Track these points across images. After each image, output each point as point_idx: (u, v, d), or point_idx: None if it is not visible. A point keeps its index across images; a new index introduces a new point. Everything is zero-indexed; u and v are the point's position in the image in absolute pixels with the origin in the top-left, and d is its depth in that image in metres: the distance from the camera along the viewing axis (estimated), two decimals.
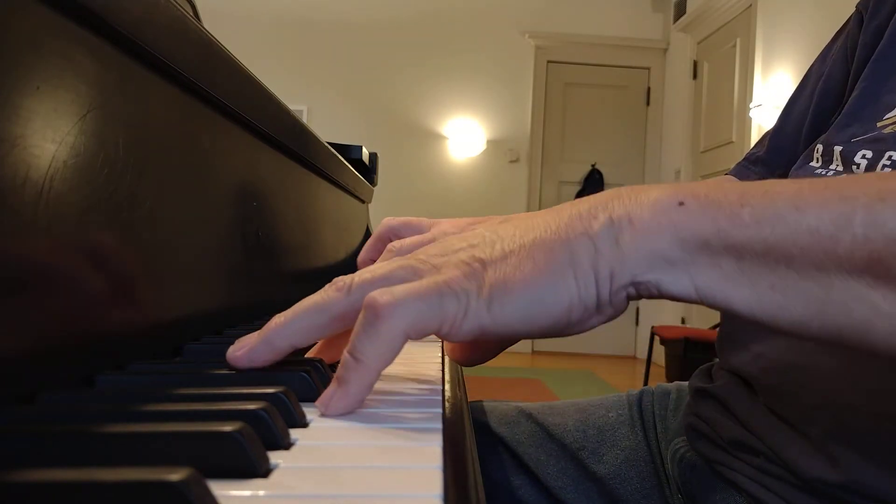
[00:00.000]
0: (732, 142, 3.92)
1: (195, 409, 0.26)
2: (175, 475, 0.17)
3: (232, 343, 0.34)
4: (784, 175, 0.57)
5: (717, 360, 0.58)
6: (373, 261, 0.44)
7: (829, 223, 0.26)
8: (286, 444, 0.25)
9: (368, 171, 1.26)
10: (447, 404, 0.33)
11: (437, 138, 4.94)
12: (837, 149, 0.48)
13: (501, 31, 4.93)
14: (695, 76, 4.50)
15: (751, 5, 3.77)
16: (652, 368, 3.65)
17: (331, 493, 0.21)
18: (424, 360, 0.45)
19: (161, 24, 0.39)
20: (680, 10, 4.68)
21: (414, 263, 0.32)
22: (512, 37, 4.94)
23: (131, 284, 0.37)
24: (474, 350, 0.42)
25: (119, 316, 0.36)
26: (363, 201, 1.22)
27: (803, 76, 0.61)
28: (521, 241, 0.31)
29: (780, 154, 0.60)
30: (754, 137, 3.57)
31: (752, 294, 0.28)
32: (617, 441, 0.61)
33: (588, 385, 3.81)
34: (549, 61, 5.02)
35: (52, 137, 0.30)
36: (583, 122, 5.05)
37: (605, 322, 0.31)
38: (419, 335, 0.30)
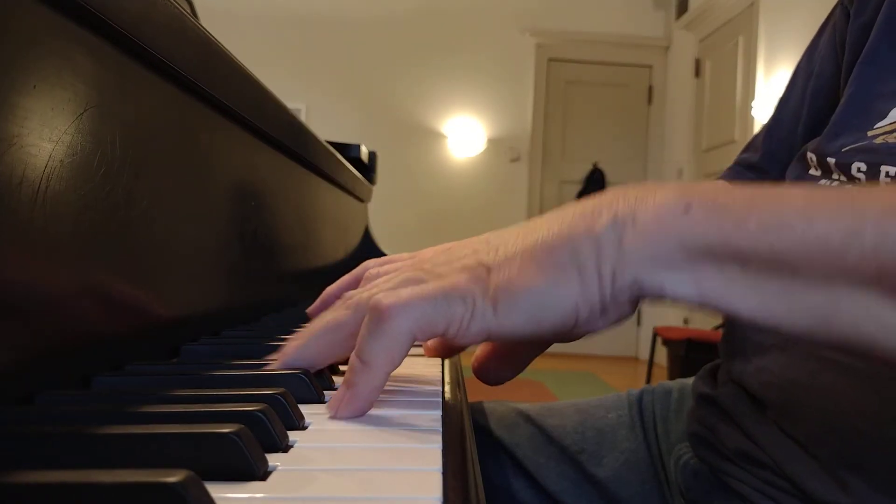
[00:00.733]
0: (735, 140, 3.91)
1: (193, 410, 0.26)
2: (172, 477, 0.17)
3: (229, 344, 0.34)
4: (780, 179, 0.56)
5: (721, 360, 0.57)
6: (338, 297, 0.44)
7: (838, 234, 0.26)
8: (284, 446, 0.25)
9: (367, 169, 1.26)
10: (447, 406, 0.33)
11: (437, 137, 4.93)
12: (831, 160, 0.47)
13: (502, 28, 4.92)
14: (697, 74, 4.49)
15: (753, 3, 3.76)
16: (654, 369, 3.64)
17: (330, 496, 0.21)
18: (424, 362, 0.45)
19: (159, 22, 0.39)
20: (682, 8, 4.67)
21: (420, 274, 0.32)
22: (512, 34, 4.93)
23: (128, 284, 0.37)
24: (506, 364, 0.39)
25: (116, 316, 0.35)
26: (362, 200, 1.22)
27: (791, 75, 0.59)
28: (524, 244, 0.31)
29: (775, 158, 0.59)
30: None
31: (756, 301, 0.27)
32: (616, 443, 0.61)
33: (590, 386, 3.81)
34: (549, 59, 5.01)
35: (48, 136, 0.30)
36: (584, 121, 5.03)
37: (610, 325, 0.31)
38: (426, 336, 0.30)
